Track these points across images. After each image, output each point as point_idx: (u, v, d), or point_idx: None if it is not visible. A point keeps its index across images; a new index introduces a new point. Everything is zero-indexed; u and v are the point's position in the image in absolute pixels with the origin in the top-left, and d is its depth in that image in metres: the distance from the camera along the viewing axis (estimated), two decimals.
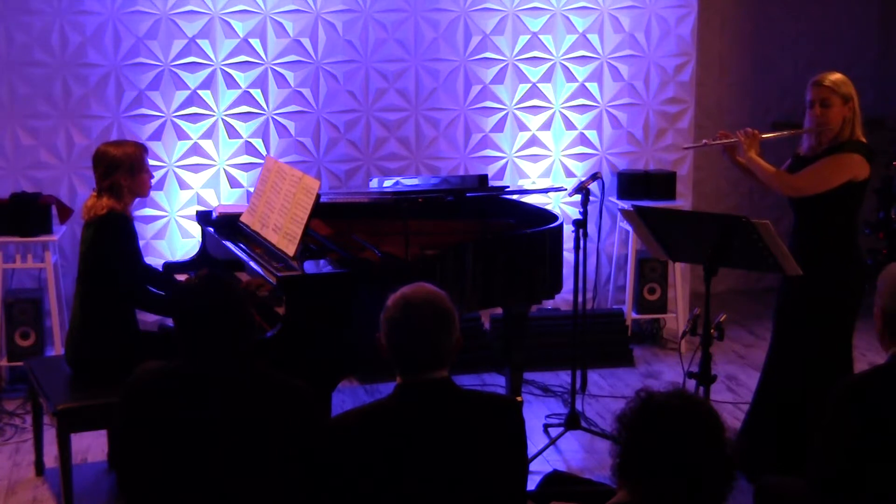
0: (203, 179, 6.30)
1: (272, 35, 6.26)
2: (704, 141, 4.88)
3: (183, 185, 6.27)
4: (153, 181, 4.85)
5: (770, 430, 4.70)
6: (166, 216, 6.28)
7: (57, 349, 5.79)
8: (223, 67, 6.23)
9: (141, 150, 4.69)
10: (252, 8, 6.23)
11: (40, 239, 5.84)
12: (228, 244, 5.02)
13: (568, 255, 5.86)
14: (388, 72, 6.43)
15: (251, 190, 6.15)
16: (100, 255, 4.55)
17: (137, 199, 4.83)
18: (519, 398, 5.28)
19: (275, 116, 6.33)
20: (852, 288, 4.62)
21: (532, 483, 3.42)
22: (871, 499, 3.24)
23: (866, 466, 3.23)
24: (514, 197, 5.68)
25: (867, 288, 7.04)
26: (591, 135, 6.74)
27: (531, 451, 4.79)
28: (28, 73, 6.05)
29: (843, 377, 3.67)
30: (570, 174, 6.72)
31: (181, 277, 5.20)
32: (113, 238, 4.54)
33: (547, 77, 6.63)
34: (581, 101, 6.70)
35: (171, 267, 5.33)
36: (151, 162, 6.10)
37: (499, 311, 5.82)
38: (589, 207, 5.22)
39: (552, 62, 6.63)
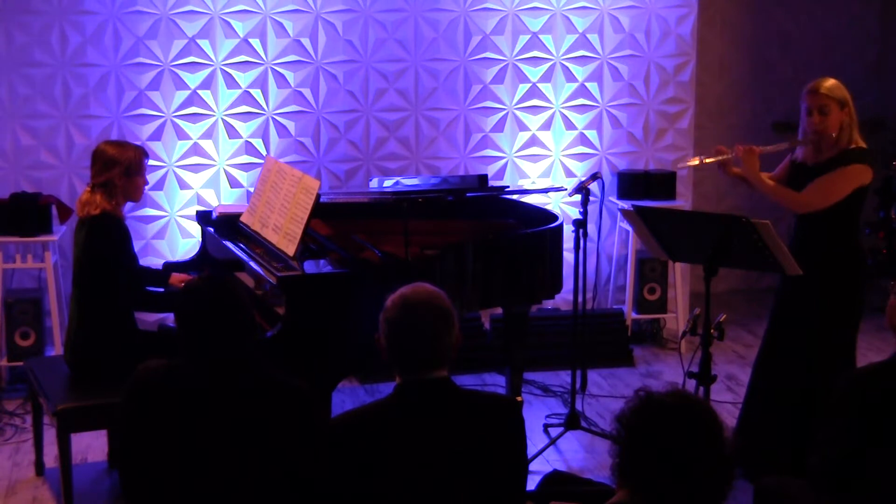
0: (203, 179, 6.30)
1: (272, 35, 6.26)
2: (700, 159, 4.83)
3: (183, 185, 6.27)
4: (148, 186, 4.84)
5: (771, 429, 4.69)
6: (166, 216, 6.28)
7: (57, 349, 5.79)
8: (223, 67, 6.23)
9: (140, 155, 4.66)
10: (252, 8, 6.23)
11: (40, 239, 5.85)
12: (228, 244, 5.02)
13: (568, 255, 5.86)
14: (388, 72, 6.43)
15: (251, 190, 6.15)
16: (94, 257, 4.54)
17: (130, 203, 4.82)
18: (519, 398, 5.27)
19: (275, 116, 6.33)
20: (857, 288, 4.62)
21: (532, 483, 3.42)
22: (871, 491, 3.24)
23: (868, 459, 3.24)
24: (514, 197, 5.69)
25: (868, 288, 7.07)
26: (591, 135, 6.74)
27: (531, 451, 4.79)
28: (28, 73, 6.05)
29: (848, 370, 3.67)
30: (570, 174, 6.72)
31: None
32: (106, 240, 4.53)
33: (547, 77, 6.63)
34: (581, 101, 6.70)
35: (171, 267, 5.33)
36: (151, 162, 6.13)
37: (499, 311, 5.82)
38: (589, 207, 5.22)
39: (552, 62, 6.63)
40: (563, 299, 6.27)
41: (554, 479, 3.57)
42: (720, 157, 4.69)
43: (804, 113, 4.59)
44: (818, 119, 4.53)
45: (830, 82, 4.57)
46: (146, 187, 4.78)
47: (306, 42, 6.30)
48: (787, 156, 4.83)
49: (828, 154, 4.57)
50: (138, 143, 6.01)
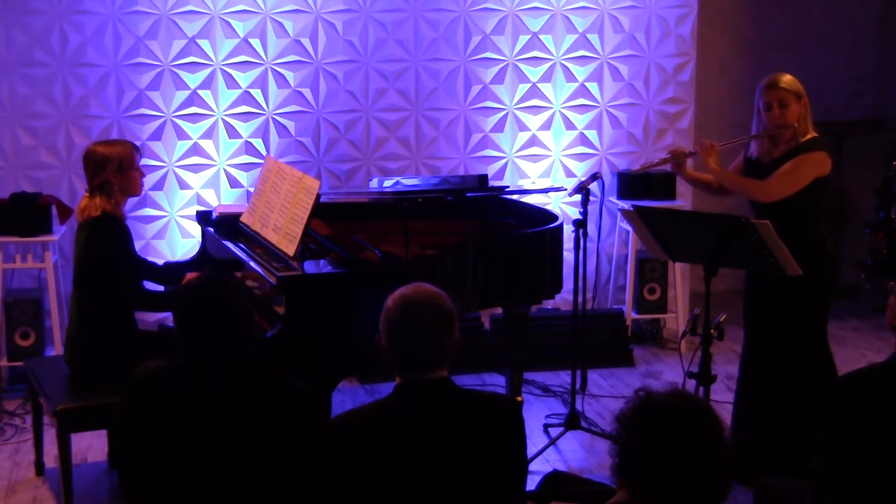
0: (203, 179, 6.30)
1: (272, 35, 6.26)
2: (657, 158, 4.94)
3: (183, 185, 6.27)
4: (145, 180, 4.83)
5: (758, 430, 4.70)
6: (166, 216, 6.28)
7: (57, 349, 5.79)
8: (223, 67, 6.23)
9: (130, 149, 4.67)
10: (252, 8, 6.23)
11: (40, 239, 5.85)
12: (228, 244, 5.02)
13: (568, 255, 5.85)
14: (388, 72, 6.43)
15: (251, 190, 6.15)
16: (95, 257, 4.54)
17: (133, 199, 4.81)
18: (519, 398, 5.28)
19: (275, 116, 6.33)
20: (823, 278, 4.63)
21: (532, 483, 3.42)
22: (873, 493, 3.24)
23: (868, 461, 3.24)
24: (514, 197, 5.69)
25: (870, 288, 7.07)
26: (591, 135, 6.74)
27: (531, 451, 4.79)
28: (28, 73, 6.05)
29: (842, 374, 3.67)
30: (570, 174, 6.72)
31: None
32: (107, 239, 4.53)
33: (547, 77, 6.63)
34: (581, 101, 6.70)
35: (172, 267, 5.33)
36: (151, 162, 6.15)
37: (499, 311, 5.82)
38: (589, 207, 5.22)
39: (552, 62, 6.63)
40: (563, 299, 6.27)
41: (554, 479, 3.57)
42: (673, 157, 4.79)
43: (762, 109, 4.67)
44: (779, 112, 4.62)
45: (787, 77, 4.69)
46: (143, 181, 4.77)
47: (306, 42, 6.30)
48: (740, 153, 4.89)
49: (784, 147, 4.64)
50: (138, 142, 6.04)
